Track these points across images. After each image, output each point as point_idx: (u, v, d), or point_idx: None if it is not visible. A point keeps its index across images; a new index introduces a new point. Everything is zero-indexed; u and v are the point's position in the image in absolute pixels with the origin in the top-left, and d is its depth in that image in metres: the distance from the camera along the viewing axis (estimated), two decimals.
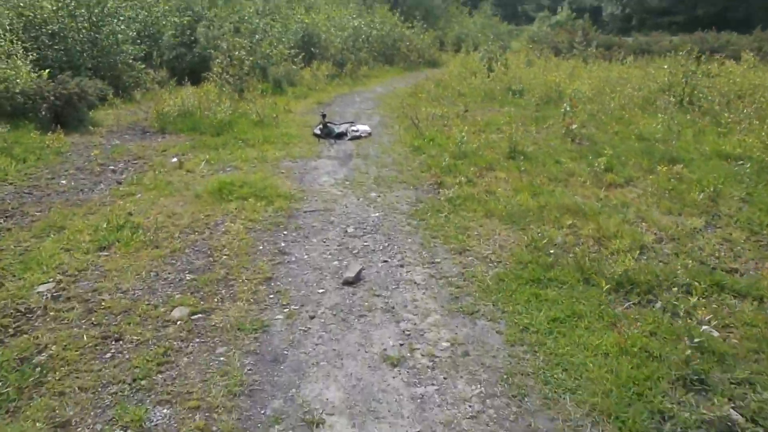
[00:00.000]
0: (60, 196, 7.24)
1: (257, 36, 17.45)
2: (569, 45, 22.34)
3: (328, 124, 10.89)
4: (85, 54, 14.81)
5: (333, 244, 5.63)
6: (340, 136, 10.86)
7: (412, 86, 18.38)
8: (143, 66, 16.32)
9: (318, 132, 10.98)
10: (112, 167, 8.78)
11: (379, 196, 7.11)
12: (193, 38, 18.99)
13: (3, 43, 12.18)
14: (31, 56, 13.14)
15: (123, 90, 15.04)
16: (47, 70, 12.10)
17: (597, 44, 20.24)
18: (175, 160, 9.14)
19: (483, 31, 30.71)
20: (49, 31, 14.36)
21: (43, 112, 11.27)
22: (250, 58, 15.58)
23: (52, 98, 11.26)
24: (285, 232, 5.94)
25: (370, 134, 11.05)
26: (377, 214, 6.47)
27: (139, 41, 17.86)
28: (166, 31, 19.16)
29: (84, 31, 14.94)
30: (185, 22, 18.99)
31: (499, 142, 9.58)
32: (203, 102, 12.49)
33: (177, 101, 12.32)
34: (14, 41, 12.46)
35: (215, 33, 19.11)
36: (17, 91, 11.26)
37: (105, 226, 5.95)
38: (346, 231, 5.98)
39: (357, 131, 11.05)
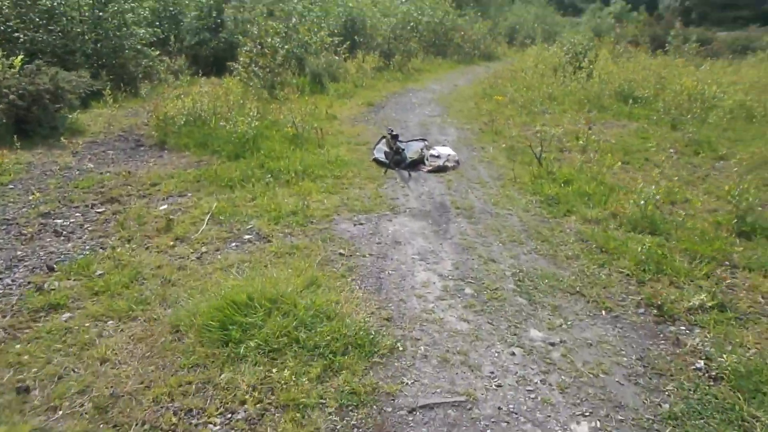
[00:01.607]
0: None
1: (294, 20, 13.47)
2: (653, 39, 18.02)
3: (398, 147, 6.94)
4: (85, 37, 11.05)
5: None
6: (414, 164, 6.92)
7: (477, 84, 14.29)
8: (158, 53, 12.54)
9: (382, 157, 7.05)
10: (59, 222, 5.00)
11: (550, 343, 3.18)
12: (219, 21, 15.14)
13: None
14: (21, 38, 9.66)
15: (129, 83, 11.26)
16: (19, 57, 8.25)
17: (696, 38, 15.90)
18: (163, 208, 5.31)
19: (538, 21, 26.19)
20: (44, 7, 10.51)
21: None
22: (285, 46, 11.65)
23: (12, 97, 7.53)
24: None
25: (458, 163, 7.07)
26: (585, 428, 2.54)
27: (157, 23, 14.21)
28: (188, 11, 15.34)
29: (86, 8, 11.19)
30: (212, 2, 15.13)
31: (679, 190, 5.54)
32: (221, 105, 8.61)
33: (187, 103, 8.45)
34: None
35: (245, 16, 15.15)
36: None
37: None
38: None
39: (438, 157, 7.09)
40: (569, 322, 3.39)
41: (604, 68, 12.22)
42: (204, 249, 4.42)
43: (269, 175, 6.19)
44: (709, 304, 3.47)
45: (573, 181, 5.87)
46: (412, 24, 18.36)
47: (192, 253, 4.36)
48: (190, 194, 5.76)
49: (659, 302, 3.52)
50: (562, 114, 9.85)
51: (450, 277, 3.97)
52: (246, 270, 3.95)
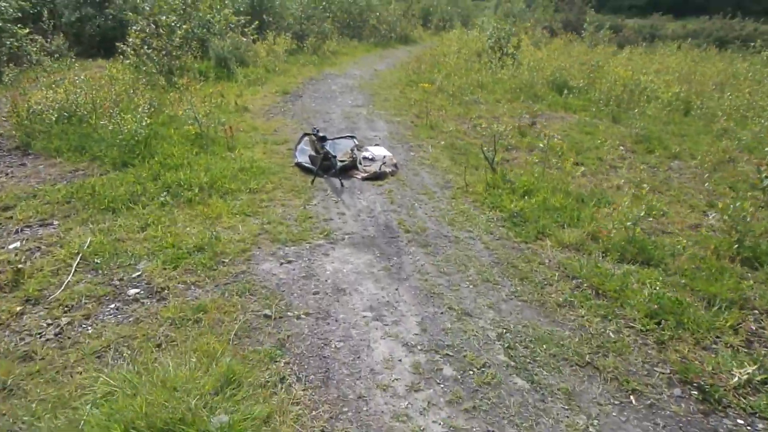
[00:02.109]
0: None
1: None
2: (565, 25, 17.74)
3: (325, 148, 5.73)
4: None
5: None
6: (346, 169, 5.76)
7: (399, 69, 13.23)
8: (27, 31, 10.33)
9: (307, 162, 5.82)
10: None
11: None
12: None
13: None
14: None
15: None
16: None
17: (609, 26, 15.71)
18: (14, 247, 3.83)
19: (450, 4, 25.45)
20: None
21: None
22: (183, 26, 9.93)
23: None
24: None
25: (396, 167, 5.98)
26: None
27: None
28: None
29: None
30: None
31: (657, 203, 4.78)
32: (104, 96, 6.95)
33: (59, 94, 6.74)
34: None
35: None
36: None
37: None
38: None
39: (372, 160, 5.97)
40: (595, 422, 2.42)
41: (532, 55, 11.55)
42: (66, 318, 3.04)
43: (165, 192, 4.79)
44: (758, 378, 2.64)
45: (534, 192, 4.96)
46: (324, 3, 16.90)
47: (48, 326, 2.97)
48: (56, 223, 4.27)
49: (697, 380, 2.64)
50: (495, 104, 9.02)
51: (419, 348, 2.88)
52: (127, 358, 2.65)
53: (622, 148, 6.69)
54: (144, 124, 5.98)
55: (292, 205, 4.78)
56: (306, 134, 6.61)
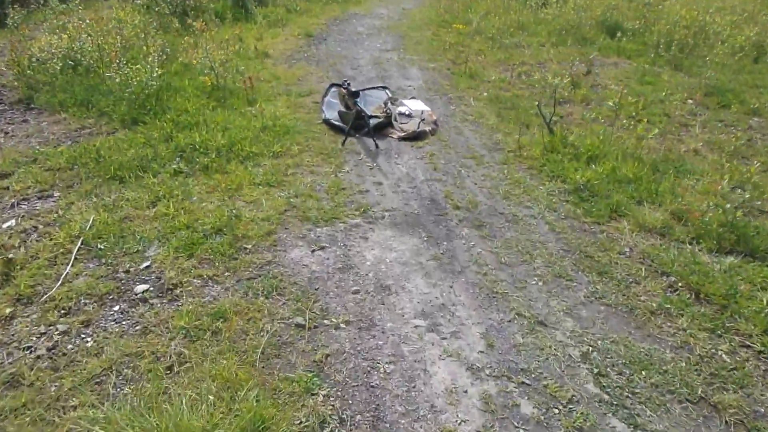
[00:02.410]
0: None
1: None
2: None
3: (358, 104, 5.00)
4: None
5: None
6: (380, 127, 5.07)
7: (428, 7, 12.13)
8: None
9: (335, 119, 5.13)
10: None
11: None
12: None
13: None
14: None
15: None
16: None
17: None
18: (8, 226, 3.31)
19: None
20: None
21: None
22: None
23: None
24: None
25: (436, 124, 5.26)
26: None
27: None
28: None
29: None
30: None
31: (748, 175, 4.00)
32: (113, 43, 6.25)
33: (64, 42, 6.08)
34: None
35: None
36: None
37: None
38: None
39: (409, 116, 5.23)
40: None
41: None
42: (63, 325, 2.53)
43: (179, 157, 4.19)
44: None
45: (600, 158, 4.24)
46: None
47: (41, 336, 2.47)
48: (56, 195, 3.73)
49: None
50: (539, 49, 8.08)
51: (488, 372, 2.32)
52: (131, 390, 2.13)
53: (691, 101, 5.85)
54: (155, 74, 5.32)
55: (321, 173, 4.15)
56: (333, 85, 5.91)
